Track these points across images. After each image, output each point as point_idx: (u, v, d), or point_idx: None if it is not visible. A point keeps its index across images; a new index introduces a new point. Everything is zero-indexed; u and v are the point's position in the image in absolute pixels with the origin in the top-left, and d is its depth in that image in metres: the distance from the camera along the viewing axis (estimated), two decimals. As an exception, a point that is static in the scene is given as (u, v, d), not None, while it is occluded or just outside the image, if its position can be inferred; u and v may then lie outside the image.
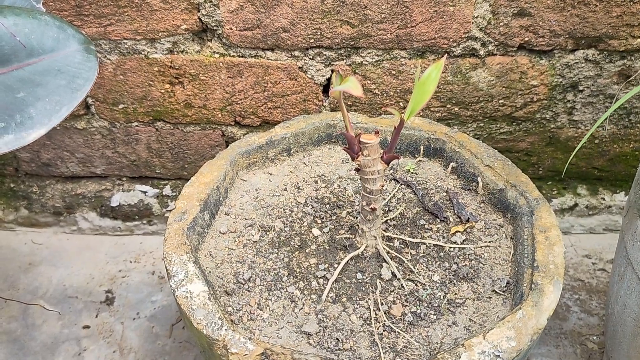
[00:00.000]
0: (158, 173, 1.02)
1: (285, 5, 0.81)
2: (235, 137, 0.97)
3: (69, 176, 1.03)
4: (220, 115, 0.93)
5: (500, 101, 0.90)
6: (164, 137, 0.97)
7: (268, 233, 0.64)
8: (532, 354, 0.85)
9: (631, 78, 0.88)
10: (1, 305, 0.95)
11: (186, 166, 1.01)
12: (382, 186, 0.57)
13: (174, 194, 1.04)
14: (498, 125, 0.94)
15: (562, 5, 0.81)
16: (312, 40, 0.84)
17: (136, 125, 0.95)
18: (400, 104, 0.91)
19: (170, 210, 1.05)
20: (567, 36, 0.84)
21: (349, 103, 0.91)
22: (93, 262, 1.02)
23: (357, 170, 0.57)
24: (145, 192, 1.04)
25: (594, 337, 0.87)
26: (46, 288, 0.98)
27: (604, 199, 1.02)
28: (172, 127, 0.96)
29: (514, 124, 0.94)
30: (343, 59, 0.87)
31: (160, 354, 0.88)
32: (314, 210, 0.66)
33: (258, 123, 0.94)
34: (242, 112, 0.93)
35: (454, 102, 0.91)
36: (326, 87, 0.90)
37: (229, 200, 0.68)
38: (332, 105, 0.92)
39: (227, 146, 0.98)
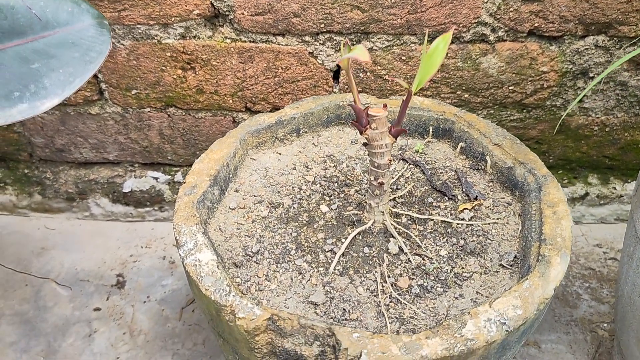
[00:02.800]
0: (170, 159, 1.03)
1: (296, -10, 0.82)
2: (245, 124, 0.97)
3: (82, 162, 1.05)
4: (231, 101, 0.94)
5: (511, 87, 0.90)
6: (175, 123, 0.98)
7: (277, 209, 0.64)
8: (542, 340, 0.85)
9: (642, 64, 0.88)
10: (13, 288, 0.96)
11: (197, 152, 1.02)
12: (390, 160, 0.57)
13: (185, 180, 1.05)
14: (508, 112, 0.94)
15: (572, -10, 0.81)
16: (322, 25, 0.85)
17: (148, 111, 0.97)
18: (410, 90, 0.91)
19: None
20: (577, 22, 0.83)
21: (359, 89, 0.91)
22: (105, 247, 1.04)
23: (364, 144, 0.58)
24: (157, 179, 1.05)
25: (605, 325, 0.86)
26: (58, 271, 0.99)
27: (615, 189, 1.02)
28: (184, 113, 0.97)
29: (524, 111, 0.94)
30: (353, 44, 0.87)
31: (170, 336, 0.89)
32: (322, 188, 0.67)
33: (269, 109, 0.95)
34: (253, 98, 0.94)
35: (464, 88, 0.91)
36: (336, 73, 0.91)
37: (239, 178, 0.68)
38: (342, 91, 0.93)
39: (238, 133, 0.99)
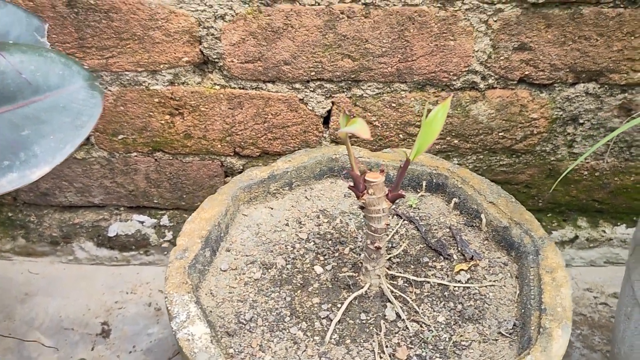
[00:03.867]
0: (156, 203, 1.01)
1: (287, 39, 0.81)
2: (234, 168, 0.96)
3: (66, 205, 1.02)
4: (219, 145, 0.93)
5: (500, 134, 0.90)
6: (162, 168, 0.96)
7: (269, 270, 0.63)
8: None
9: (632, 111, 0.88)
10: (-5, 338, 0.93)
11: (184, 196, 1.00)
12: (387, 224, 0.56)
13: (171, 224, 1.03)
14: (498, 158, 0.94)
15: (562, 40, 0.81)
16: (313, 73, 0.84)
17: (135, 156, 0.95)
18: (400, 135, 0.91)
19: (169, 241, 1.04)
20: (567, 70, 0.84)
21: (349, 135, 0.90)
22: (89, 292, 1.01)
23: (361, 208, 0.57)
24: (142, 222, 1.03)
25: (598, 374, 0.86)
26: (42, 319, 0.96)
27: (604, 232, 1.02)
28: (171, 158, 0.95)
29: (514, 156, 0.94)
30: (344, 92, 0.87)
31: (157, 389, 0.86)
32: (316, 247, 0.66)
33: (258, 154, 0.94)
34: (242, 143, 0.93)
35: (453, 134, 0.91)
36: (326, 119, 0.90)
37: (230, 236, 0.67)
38: (332, 137, 0.92)
39: (226, 176, 0.98)
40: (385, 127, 0.90)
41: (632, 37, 0.80)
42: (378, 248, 0.57)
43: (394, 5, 0.78)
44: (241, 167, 0.96)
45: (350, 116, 0.49)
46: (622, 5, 0.78)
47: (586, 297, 0.99)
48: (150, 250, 1.05)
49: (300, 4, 0.78)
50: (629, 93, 0.86)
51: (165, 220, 1.03)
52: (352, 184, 0.55)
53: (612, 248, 1.03)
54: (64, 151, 0.51)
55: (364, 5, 0.78)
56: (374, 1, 0.78)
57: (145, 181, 0.98)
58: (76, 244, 1.04)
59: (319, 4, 0.78)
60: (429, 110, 0.51)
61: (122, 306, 0.99)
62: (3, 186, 0.48)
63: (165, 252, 1.05)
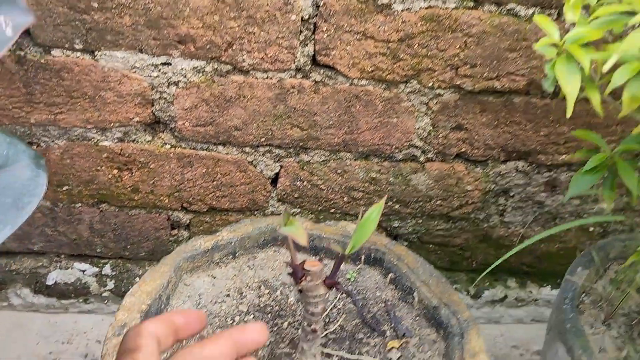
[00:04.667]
0: (99, 252, 1.01)
1: (238, 107, 0.83)
2: (181, 221, 0.97)
3: (3, 251, 1.00)
4: (167, 200, 0.94)
5: (438, 202, 0.96)
6: (107, 219, 0.96)
7: (209, 344, 0.64)
8: None
9: (557, 188, 0.95)
10: None
11: (128, 246, 1.00)
12: (324, 309, 0.59)
13: (113, 272, 1.03)
14: (435, 223, 0.99)
15: (495, 123, 0.87)
16: (263, 139, 0.87)
17: (80, 206, 0.95)
18: (345, 198, 0.94)
19: (110, 290, 1.03)
20: (499, 149, 0.90)
21: (295, 195, 0.93)
22: (23, 342, 0.99)
23: (299, 291, 0.59)
24: (83, 271, 1.02)
25: None
26: (-30, 371, 0.94)
27: (531, 292, 1.08)
28: (117, 210, 0.95)
29: (450, 222, 0.99)
30: (292, 157, 0.90)
31: None
32: (255, 320, 0.68)
33: (205, 209, 0.95)
34: (190, 199, 0.94)
35: (394, 200, 0.95)
36: (274, 180, 0.93)
37: (171, 307, 0.68)
38: (279, 196, 0.95)
39: (172, 229, 0.99)
40: (330, 190, 0.93)
41: (557, 124, 0.87)
42: (314, 330, 0.60)
43: (342, 84, 0.82)
44: (188, 221, 0.97)
45: (289, 216, 0.52)
46: (549, 97, 0.85)
47: (513, 355, 1.05)
48: (89, 298, 1.04)
49: (253, 76, 0.81)
50: (554, 172, 0.93)
51: (107, 269, 1.03)
52: (291, 271, 0.58)
53: (538, 307, 1.10)
54: (3, 233, 0.51)
55: (314, 82, 0.82)
56: (323, 79, 0.82)
57: (88, 231, 0.98)
58: (12, 291, 1.02)
59: (271, 78, 0.81)
60: (364, 212, 0.54)
61: (57, 357, 0.97)
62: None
63: (106, 301, 1.04)
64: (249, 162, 0.90)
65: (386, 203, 0.95)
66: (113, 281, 1.03)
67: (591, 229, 1.00)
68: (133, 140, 0.88)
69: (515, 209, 0.98)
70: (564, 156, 0.91)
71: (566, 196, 0.61)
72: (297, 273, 0.58)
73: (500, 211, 0.98)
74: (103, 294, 1.03)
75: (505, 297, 1.09)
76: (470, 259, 1.05)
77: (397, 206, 0.96)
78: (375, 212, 0.54)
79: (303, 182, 0.92)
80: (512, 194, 0.96)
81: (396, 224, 0.99)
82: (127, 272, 1.03)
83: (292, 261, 0.57)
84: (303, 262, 0.57)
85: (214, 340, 0.42)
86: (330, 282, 0.59)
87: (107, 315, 1.05)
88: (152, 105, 0.84)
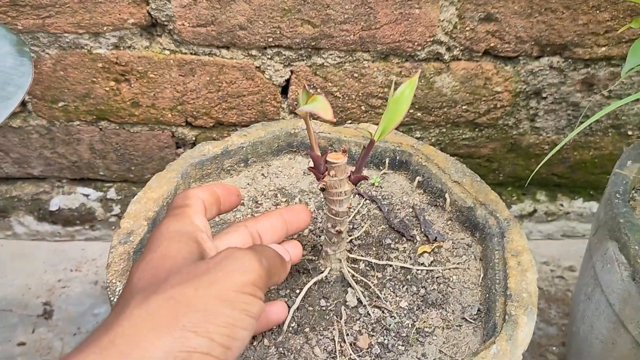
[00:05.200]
0: (102, 175, 0.95)
1: (242, 2, 0.75)
2: (186, 139, 0.91)
3: (3, 177, 0.95)
4: (170, 115, 0.87)
5: (464, 107, 0.88)
6: (108, 138, 0.90)
7: (224, 253, 0.59)
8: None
9: (594, 87, 0.87)
10: None
11: (132, 168, 0.94)
12: (349, 208, 0.53)
13: (119, 197, 0.97)
14: (460, 131, 0.91)
15: (529, 12, 0.78)
16: (270, 40, 0.79)
17: (78, 125, 0.88)
18: (363, 107, 0.87)
19: (117, 215, 0.98)
20: (532, 43, 0.82)
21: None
22: (29, 270, 0.95)
23: (322, 190, 0.53)
24: (87, 196, 0.96)
25: (554, 348, 0.87)
26: (-24, 301, 0.90)
27: (562, 205, 1.02)
28: (117, 127, 0.89)
29: (477, 130, 0.92)
30: (303, 60, 0.82)
31: (105, 372, 0.82)
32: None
33: (212, 124, 0.89)
34: (195, 113, 0.87)
35: (417, 107, 0.87)
36: (285, 88, 0.86)
37: (181, 216, 0.62)
38: (290, 108, 0.87)
39: (178, 147, 0.92)
40: (347, 98, 0.86)
41: (597, 11, 0.78)
42: (339, 232, 0.54)
43: (358, -32, 0.73)
44: (194, 138, 0.91)
45: (310, 92, 0.45)
46: (591, -23, 0.75)
47: (543, 271, 1.00)
48: (96, 225, 0.99)
49: (256, -37, 0.72)
50: (592, 68, 0.85)
51: (112, 194, 0.97)
52: (312, 165, 0.51)
53: (569, 222, 1.04)
54: (-11, 125, 0.46)
55: (325, -32, 0.73)
56: (336, -37, 0.73)
57: (89, 152, 0.91)
58: (14, 219, 0.97)
59: (277, -35, 0.72)
60: (397, 84, 0.47)
61: (66, 285, 0.93)
62: None
63: (113, 227, 0.99)
64: (256, 67, 0.82)
65: (407, 110, 0.87)
66: (119, 206, 0.97)
67: (630, 132, 0.92)
68: (129, 47, 0.80)
69: (548, 112, 0.90)
70: (603, 48, 0.82)
71: (623, 70, 0.53)
72: (319, 166, 0.51)
73: (531, 116, 0.90)
74: (109, 220, 0.98)
75: (535, 211, 1.02)
76: (497, 171, 0.98)
77: (419, 114, 0.88)
78: (408, 89, 0.47)
79: (316, 89, 0.85)
80: (544, 95, 0.88)
81: (418, 134, 0.91)
82: (134, 196, 0.97)
83: (313, 152, 0.50)
84: (325, 154, 0.50)
85: (267, 215, 0.49)
86: (357, 177, 0.52)
87: (115, 241, 1.00)
88: (148, 4, 0.75)
